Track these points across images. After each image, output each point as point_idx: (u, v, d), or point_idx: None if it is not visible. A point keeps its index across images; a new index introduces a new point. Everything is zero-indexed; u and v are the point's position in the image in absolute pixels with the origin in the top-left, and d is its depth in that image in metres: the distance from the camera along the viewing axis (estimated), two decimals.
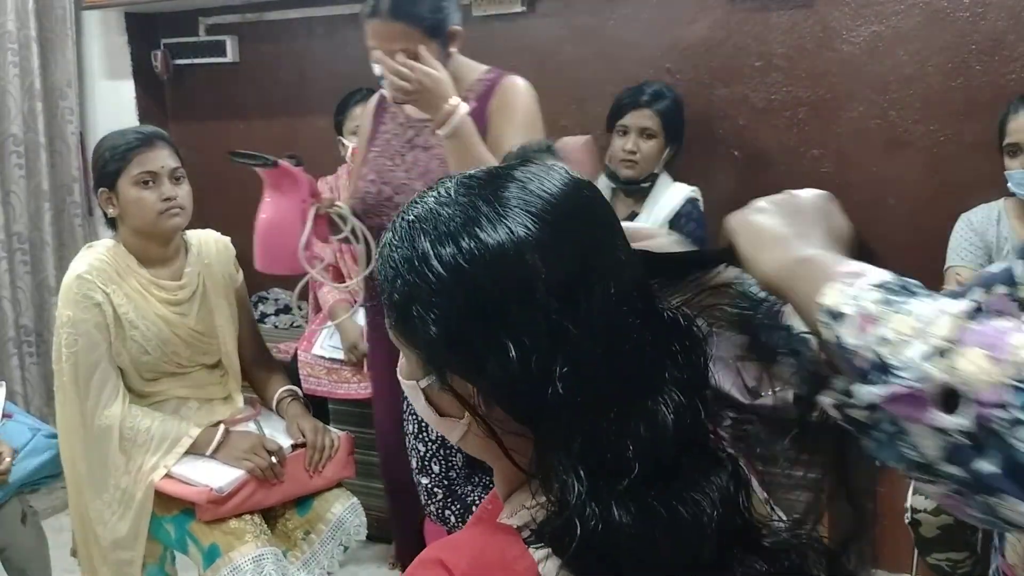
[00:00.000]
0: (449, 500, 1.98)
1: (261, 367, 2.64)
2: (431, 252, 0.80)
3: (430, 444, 1.97)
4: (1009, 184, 2.52)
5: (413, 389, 0.88)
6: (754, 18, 3.10)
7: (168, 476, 2.30)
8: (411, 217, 0.84)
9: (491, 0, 3.43)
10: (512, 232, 0.78)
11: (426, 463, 1.98)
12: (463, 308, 0.79)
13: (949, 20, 2.86)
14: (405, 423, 2.01)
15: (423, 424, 1.96)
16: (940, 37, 2.87)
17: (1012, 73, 2.79)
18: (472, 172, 0.86)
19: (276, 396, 2.55)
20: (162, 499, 2.32)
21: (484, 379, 0.80)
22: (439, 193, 0.85)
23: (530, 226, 0.79)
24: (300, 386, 3.05)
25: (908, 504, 2.31)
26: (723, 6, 3.13)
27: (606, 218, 0.86)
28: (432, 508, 2.01)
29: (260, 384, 2.63)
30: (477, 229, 0.79)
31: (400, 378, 0.91)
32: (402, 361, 0.90)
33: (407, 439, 2.02)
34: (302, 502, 2.45)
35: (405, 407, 2.02)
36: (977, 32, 2.83)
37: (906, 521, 2.30)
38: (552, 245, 0.79)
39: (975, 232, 2.60)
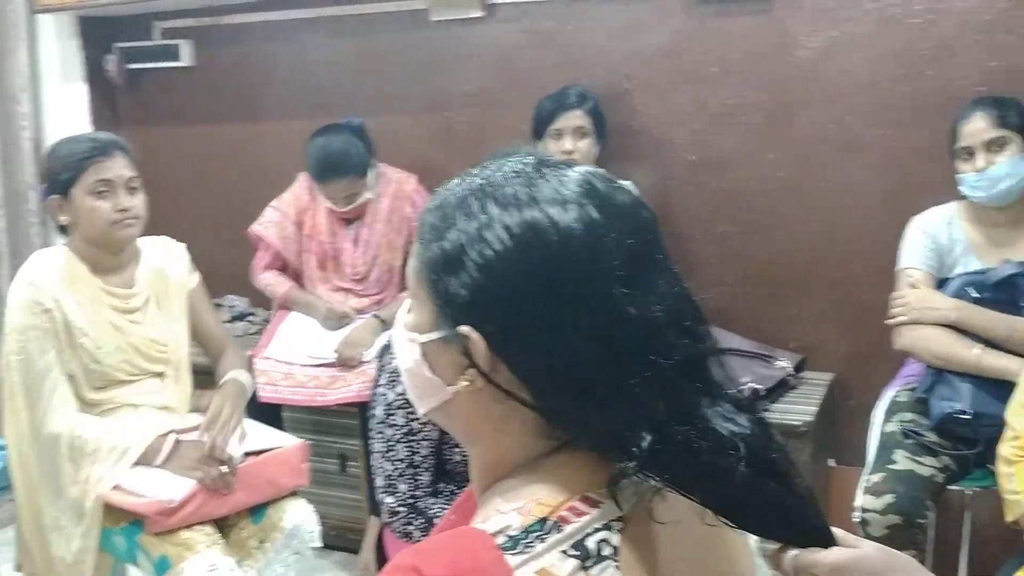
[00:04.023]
0: (412, 516, 1.98)
1: (225, 359, 2.61)
2: (498, 214, 0.83)
3: (398, 463, 1.96)
4: (961, 187, 2.56)
5: (411, 344, 0.90)
6: (712, 24, 3.12)
7: (117, 487, 2.27)
8: (480, 179, 0.88)
9: (449, 5, 3.43)
10: (582, 216, 0.83)
11: (393, 482, 1.98)
12: (521, 271, 0.82)
13: (902, 26, 2.89)
14: (372, 442, 2.01)
15: (391, 443, 1.96)
16: (893, 43, 2.90)
17: (962, 79, 2.82)
18: (551, 158, 0.91)
19: (221, 379, 2.51)
20: (111, 510, 2.29)
21: (517, 343, 0.82)
22: (514, 163, 0.89)
23: (596, 216, 0.83)
24: (255, 394, 3.04)
25: (858, 503, 2.33)
26: (681, 12, 3.15)
27: (661, 242, 0.89)
28: (396, 525, 2.00)
29: (219, 374, 2.58)
30: (548, 205, 0.83)
31: (400, 330, 0.92)
32: (408, 316, 0.92)
33: (373, 457, 2.01)
34: (256, 511, 2.41)
35: (372, 425, 2.02)
36: (928, 38, 2.86)
37: (855, 520, 2.32)
38: (617, 237, 0.83)
39: (927, 235, 2.63)
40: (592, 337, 0.81)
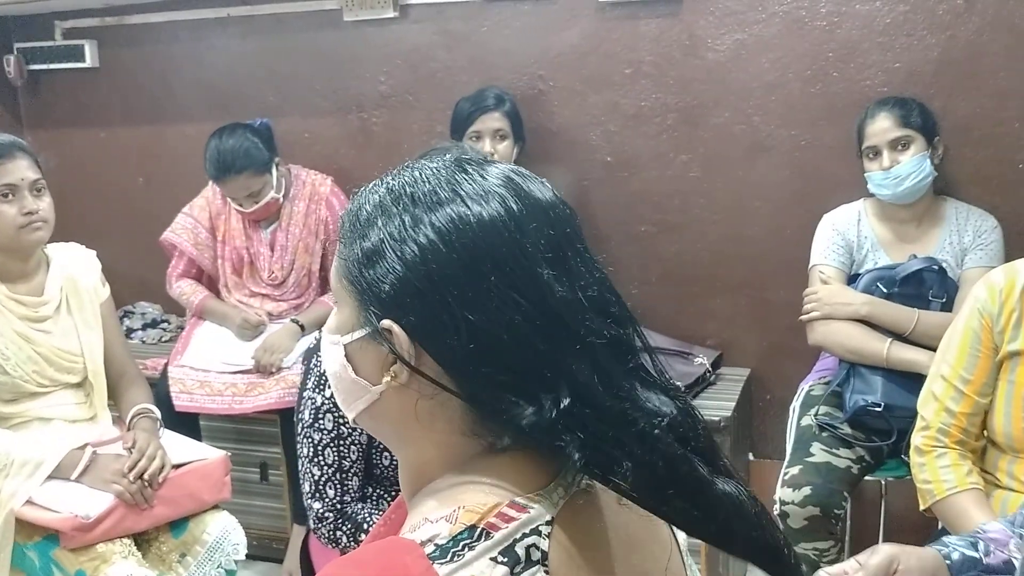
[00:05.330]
0: (340, 521, 1.96)
1: (123, 384, 2.55)
2: (420, 211, 0.84)
3: (326, 468, 1.94)
4: (869, 185, 2.64)
5: (334, 347, 0.90)
6: (623, 26, 3.16)
7: (30, 502, 2.19)
8: (401, 178, 0.88)
9: (362, 5, 3.40)
10: (504, 206, 0.84)
11: (320, 488, 1.95)
12: (445, 261, 0.82)
13: (807, 29, 2.96)
14: (300, 446, 1.98)
15: (319, 447, 1.94)
16: (799, 45, 2.98)
17: (867, 80, 2.91)
18: (471, 155, 0.91)
19: (130, 415, 2.46)
20: (24, 526, 2.21)
21: (442, 330, 0.82)
22: (434, 162, 0.89)
23: (515, 208, 0.84)
24: (171, 404, 2.97)
25: (777, 496, 2.38)
26: (593, 14, 3.17)
27: (581, 235, 0.90)
28: (323, 531, 1.98)
29: (120, 402, 2.53)
30: (469, 199, 0.84)
31: (324, 332, 0.93)
32: (331, 319, 0.92)
33: (300, 462, 1.98)
34: (176, 524, 2.36)
35: (299, 430, 1.99)
36: (833, 40, 2.94)
37: (775, 512, 2.37)
38: (538, 227, 0.84)
39: (837, 232, 2.71)
40: (520, 313, 0.81)
